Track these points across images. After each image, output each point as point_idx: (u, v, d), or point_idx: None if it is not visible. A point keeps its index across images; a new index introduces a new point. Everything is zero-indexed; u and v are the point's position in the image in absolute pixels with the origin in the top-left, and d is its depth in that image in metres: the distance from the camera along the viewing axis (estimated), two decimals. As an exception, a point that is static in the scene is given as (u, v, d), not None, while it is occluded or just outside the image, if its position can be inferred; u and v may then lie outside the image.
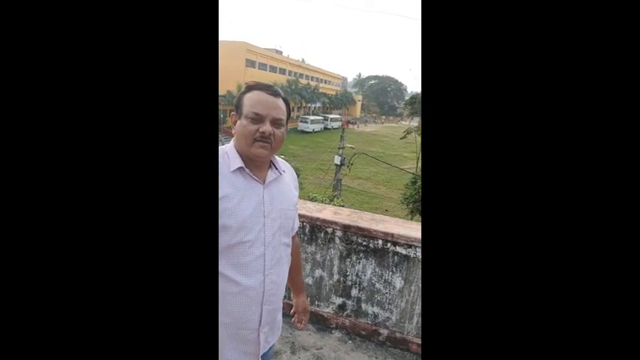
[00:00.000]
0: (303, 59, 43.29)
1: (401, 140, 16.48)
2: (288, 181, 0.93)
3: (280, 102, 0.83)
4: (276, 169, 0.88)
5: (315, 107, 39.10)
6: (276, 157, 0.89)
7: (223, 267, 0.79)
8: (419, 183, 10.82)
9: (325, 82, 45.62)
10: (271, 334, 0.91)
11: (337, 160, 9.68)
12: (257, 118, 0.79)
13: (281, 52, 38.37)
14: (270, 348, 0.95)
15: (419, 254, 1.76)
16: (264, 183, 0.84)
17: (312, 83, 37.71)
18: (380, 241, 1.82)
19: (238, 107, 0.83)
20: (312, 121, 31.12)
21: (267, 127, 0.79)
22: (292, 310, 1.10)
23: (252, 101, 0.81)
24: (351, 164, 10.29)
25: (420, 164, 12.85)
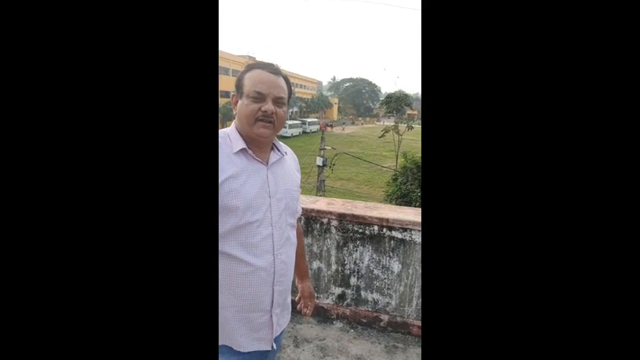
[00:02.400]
0: (277, 65, 43.20)
1: (379, 140, 16.82)
2: (290, 162, 0.93)
3: (281, 80, 0.82)
4: (279, 150, 0.88)
5: (292, 112, 39.13)
6: (279, 142, 0.89)
7: (233, 248, 0.77)
8: (400, 179, 11.07)
9: (301, 87, 45.86)
10: (282, 317, 0.90)
11: (319, 161, 9.72)
12: (259, 97, 0.79)
13: (254, 59, 38.18)
14: (281, 333, 0.93)
15: (415, 237, 1.80)
16: (267, 164, 0.83)
17: (288, 88, 37.62)
18: (375, 227, 1.84)
19: (239, 87, 0.82)
20: (291, 126, 31.13)
21: (269, 106, 0.78)
22: (298, 296, 1.08)
23: (253, 80, 0.80)
24: (333, 164, 10.36)
25: (399, 161, 13.15)
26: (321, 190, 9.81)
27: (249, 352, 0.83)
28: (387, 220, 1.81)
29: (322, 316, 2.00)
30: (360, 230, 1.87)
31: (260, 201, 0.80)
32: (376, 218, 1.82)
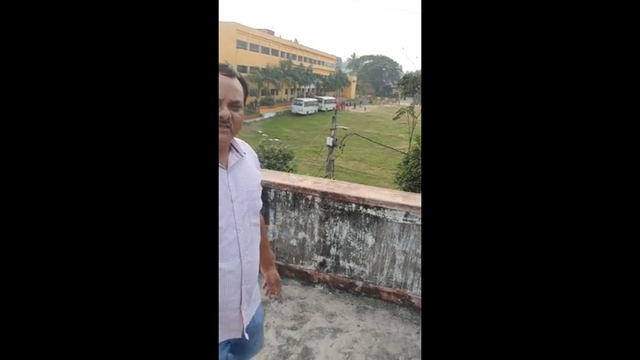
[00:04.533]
0: (295, 39, 42.51)
1: (396, 121, 16.61)
2: (250, 162, 0.93)
3: (236, 83, 0.80)
4: (237, 152, 0.87)
5: (309, 89, 38.71)
6: (236, 139, 0.88)
7: None
8: (411, 162, 11.08)
9: (319, 63, 44.91)
10: (250, 307, 0.95)
11: (329, 141, 9.87)
12: None
13: (273, 33, 37.51)
14: (254, 322, 0.98)
15: (387, 215, 2.02)
16: (227, 167, 0.83)
17: (306, 64, 37.18)
18: (353, 205, 2.07)
19: None
20: (306, 104, 30.95)
21: (225, 112, 0.76)
22: (264, 283, 1.13)
23: None
24: (344, 145, 10.48)
25: (412, 144, 13.08)
26: (330, 170, 10.01)
27: (220, 342, 0.87)
28: (364, 199, 2.03)
29: (305, 280, 2.29)
30: (340, 207, 2.10)
31: (223, 207, 0.80)
32: (354, 197, 2.04)
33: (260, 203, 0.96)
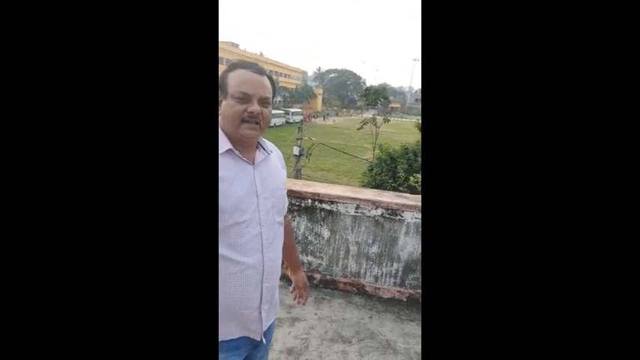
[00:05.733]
0: (261, 53, 42.90)
1: (361, 131, 17.25)
2: (276, 161, 0.94)
3: (266, 80, 0.83)
4: (264, 149, 0.89)
5: (276, 101, 38.86)
6: (262, 137, 0.89)
7: (222, 248, 0.78)
8: (375, 170, 11.59)
9: (285, 76, 45.56)
10: (271, 311, 0.93)
11: (296, 150, 10.04)
12: (244, 98, 0.78)
13: (237, 46, 37.58)
14: (270, 329, 0.96)
15: (340, 209, 2.18)
16: (253, 164, 0.84)
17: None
18: (309, 200, 2.20)
19: (223, 87, 0.81)
20: (274, 115, 31.08)
21: (255, 107, 0.79)
22: (292, 287, 1.13)
23: (238, 80, 0.79)
24: (310, 154, 10.70)
25: (375, 152, 13.67)
26: (297, 179, 10.15)
27: (238, 338, 0.86)
28: (319, 194, 2.17)
29: (266, 276, 2.36)
30: (297, 203, 2.23)
31: (248, 201, 0.81)
32: (310, 193, 2.18)
33: (285, 203, 0.97)
